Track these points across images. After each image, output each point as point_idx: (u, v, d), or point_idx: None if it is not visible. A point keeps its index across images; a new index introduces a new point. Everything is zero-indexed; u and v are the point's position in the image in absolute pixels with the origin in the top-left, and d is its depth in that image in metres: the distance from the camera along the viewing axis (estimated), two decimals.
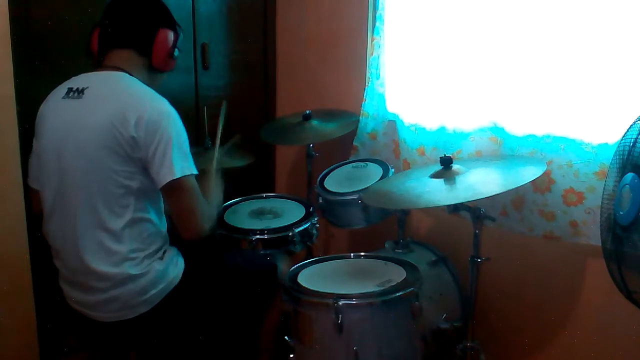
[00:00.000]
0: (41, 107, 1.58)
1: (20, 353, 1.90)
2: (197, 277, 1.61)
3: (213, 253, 1.76)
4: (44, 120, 1.55)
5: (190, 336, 1.63)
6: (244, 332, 1.78)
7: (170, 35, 1.60)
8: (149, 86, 1.56)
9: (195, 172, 1.50)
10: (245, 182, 2.13)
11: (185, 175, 1.46)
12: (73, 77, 1.57)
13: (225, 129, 1.90)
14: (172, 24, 1.62)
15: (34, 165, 1.61)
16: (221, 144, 1.91)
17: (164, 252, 1.56)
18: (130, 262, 1.48)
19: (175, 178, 1.44)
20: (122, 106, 1.45)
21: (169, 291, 1.54)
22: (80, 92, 1.50)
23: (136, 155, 1.45)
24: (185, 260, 1.60)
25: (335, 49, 2.48)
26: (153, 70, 1.61)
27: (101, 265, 1.47)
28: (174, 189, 1.45)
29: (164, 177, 1.44)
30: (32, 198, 1.66)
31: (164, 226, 1.58)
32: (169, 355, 1.64)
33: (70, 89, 1.52)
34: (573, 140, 1.66)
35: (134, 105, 1.45)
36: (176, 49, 1.62)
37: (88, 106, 1.48)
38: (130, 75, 1.54)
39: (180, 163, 1.45)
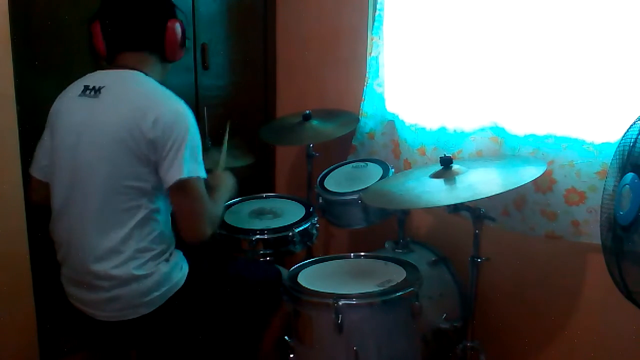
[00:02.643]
0: (56, 103, 1.59)
1: (20, 353, 1.90)
2: (200, 282, 1.60)
3: (217, 260, 1.76)
4: (58, 117, 1.56)
5: (190, 340, 1.63)
6: (245, 338, 1.78)
7: (178, 26, 1.59)
8: (162, 78, 1.58)
9: (204, 176, 1.50)
10: (245, 182, 2.12)
11: (193, 177, 1.46)
12: (89, 74, 1.57)
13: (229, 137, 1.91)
14: (175, 12, 1.61)
15: (40, 156, 1.62)
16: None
17: (170, 254, 1.56)
18: (136, 262, 1.48)
19: (183, 177, 1.44)
20: (140, 107, 1.46)
21: (172, 294, 1.54)
22: (97, 91, 1.51)
23: (152, 156, 1.45)
24: (189, 266, 1.60)
25: (335, 49, 2.48)
26: (165, 62, 1.62)
27: (107, 264, 1.47)
28: (181, 189, 1.46)
29: (173, 176, 1.44)
30: (30, 186, 1.66)
31: (171, 228, 1.58)
32: (170, 356, 1.64)
33: (86, 87, 1.53)
34: (575, 140, 1.66)
35: (151, 107, 1.46)
36: (187, 38, 1.62)
37: (105, 106, 1.48)
38: (146, 74, 1.54)
39: (190, 164, 1.45)
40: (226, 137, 1.90)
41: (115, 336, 1.57)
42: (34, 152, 1.65)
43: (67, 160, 1.51)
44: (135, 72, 1.54)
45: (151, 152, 1.45)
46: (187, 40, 1.63)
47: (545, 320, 1.86)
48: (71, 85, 1.58)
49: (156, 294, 1.51)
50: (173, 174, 1.44)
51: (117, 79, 1.53)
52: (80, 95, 1.53)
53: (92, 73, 1.57)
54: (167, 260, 1.54)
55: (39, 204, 1.63)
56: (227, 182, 1.75)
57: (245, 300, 1.69)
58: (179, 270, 1.56)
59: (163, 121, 1.44)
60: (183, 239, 1.52)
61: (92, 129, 1.48)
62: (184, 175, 1.44)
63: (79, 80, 1.57)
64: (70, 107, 1.54)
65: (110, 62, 1.58)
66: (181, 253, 1.61)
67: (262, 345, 1.79)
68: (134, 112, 1.45)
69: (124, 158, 1.45)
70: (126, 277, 1.47)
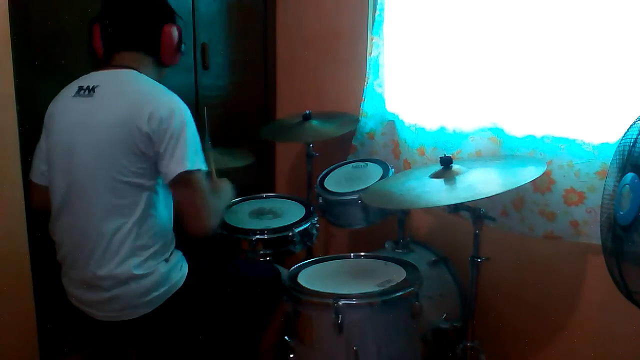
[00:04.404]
0: (50, 106, 1.59)
1: (20, 353, 1.90)
2: (200, 282, 1.60)
3: (217, 260, 1.76)
4: (53, 118, 1.56)
5: (191, 340, 1.63)
6: (245, 338, 1.78)
7: (175, 30, 1.61)
8: (158, 81, 1.57)
9: (205, 168, 1.50)
10: (245, 182, 2.12)
11: (194, 170, 1.46)
12: (83, 76, 1.58)
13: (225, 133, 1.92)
14: (173, 18, 1.64)
15: (39, 160, 1.62)
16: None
17: (170, 254, 1.56)
18: (136, 259, 1.48)
19: (184, 170, 1.44)
20: (135, 104, 1.46)
21: (172, 294, 1.54)
22: (90, 90, 1.51)
23: (149, 151, 1.45)
24: (189, 266, 1.60)
25: (335, 49, 2.48)
26: (161, 66, 1.63)
27: (106, 263, 1.47)
28: (183, 182, 1.46)
29: (174, 170, 1.44)
30: (31, 192, 1.66)
31: (171, 226, 1.58)
32: (170, 356, 1.64)
33: (80, 87, 1.53)
34: (573, 141, 1.66)
35: (145, 103, 1.46)
36: (182, 43, 1.64)
37: (99, 105, 1.49)
38: (140, 72, 1.55)
39: (190, 156, 1.46)
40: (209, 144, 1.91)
41: (116, 336, 1.57)
42: (33, 152, 1.64)
43: (63, 160, 1.51)
44: (130, 70, 1.54)
45: (148, 148, 1.45)
46: (183, 45, 1.65)
47: (545, 320, 1.87)
48: (66, 87, 1.58)
49: (155, 294, 1.51)
50: (175, 167, 1.44)
51: (111, 77, 1.54)
52: (74, 96, 1.53)
53: (87, 74, 1.57)
54: (166, 260, 1.54)
55: (40, 209, 1.63)
56: (225, 188, 1.75)
57: (245, 300, 1.69)
58: (178, 270, 1.57)
59: (159, 116, 1.44)
60: (187, 232, 1.52)
61: (87, 128, 1.48)
62: (187, 167, 1.45)
63: (74, 82, 1.57)
64: (65, 108, 1.55)
65: (107, 62, 1.58)
66: (181, 253, 1.60)
67: (262, 345, 1.79)
68: (129, 108, 1.45)
69: (121, 155, 1.45)
70: (125, 276, 1.47)
